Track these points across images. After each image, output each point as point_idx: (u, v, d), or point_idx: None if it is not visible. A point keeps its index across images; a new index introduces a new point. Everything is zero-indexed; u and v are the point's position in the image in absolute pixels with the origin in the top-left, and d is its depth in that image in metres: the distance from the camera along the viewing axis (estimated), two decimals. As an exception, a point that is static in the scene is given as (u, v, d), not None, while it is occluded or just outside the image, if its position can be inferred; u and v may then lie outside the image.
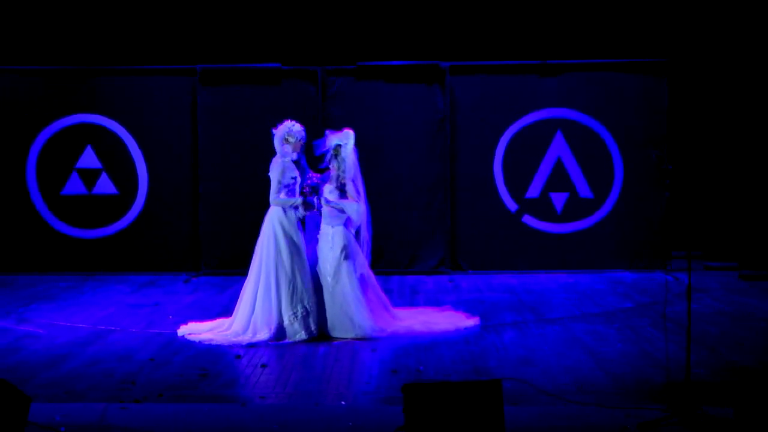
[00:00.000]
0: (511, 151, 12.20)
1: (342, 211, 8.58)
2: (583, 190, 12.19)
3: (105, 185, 12.26)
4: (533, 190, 12.22)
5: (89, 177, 12.28)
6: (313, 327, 8.43)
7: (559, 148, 12.18)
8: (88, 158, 12.26)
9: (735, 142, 12.34)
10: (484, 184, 12.22)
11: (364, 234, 8.83)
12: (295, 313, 8.38)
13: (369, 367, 7.51)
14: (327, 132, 8.80)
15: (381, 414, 6.22)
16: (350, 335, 8.40)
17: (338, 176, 8.59)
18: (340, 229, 8.58)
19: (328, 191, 8.61)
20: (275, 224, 8.48)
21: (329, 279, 8.51)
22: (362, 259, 8.73)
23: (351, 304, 8.45)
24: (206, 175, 12.12)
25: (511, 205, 12.23)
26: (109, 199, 12.27)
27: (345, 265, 8.51)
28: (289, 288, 8.39)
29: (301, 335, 8.36)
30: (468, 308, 9.80)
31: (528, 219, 12.23)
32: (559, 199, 12.20)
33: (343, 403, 6.56)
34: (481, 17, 12.54)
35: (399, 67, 12.17)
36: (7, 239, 12.28)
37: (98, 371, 7.41)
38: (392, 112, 12.16)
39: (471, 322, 9.00)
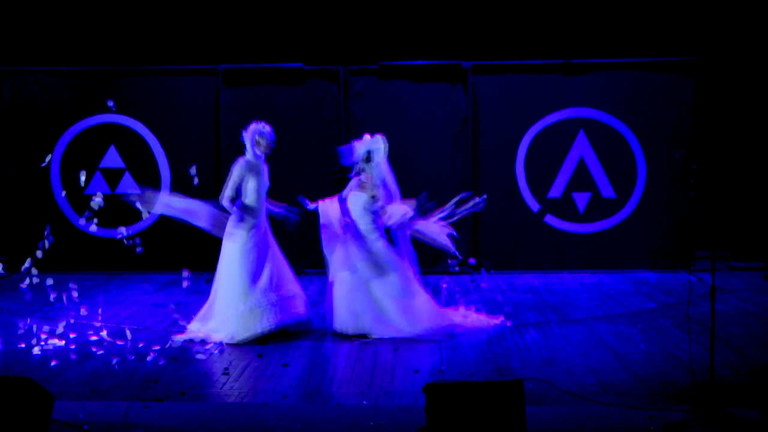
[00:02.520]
0: (533, 150, 12.16)
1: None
2: (606, 190, 12.13)
3: (128, 185, 12.33)
4: (556, 190, 12.17)
5: (113, 176, 12.35)
6: (260, 327, 8.37)
7: (581, 147, 12.12)
8: (112, 158, 12.34)
9: (762, 142, 12.24)
10: (506, 183, 12.19)
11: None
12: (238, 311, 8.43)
13: (391, 367, 7.50)
14: (353, 141, 8.72)
15: (403, 414, 6.21)
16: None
17: (373, 183, 8.56)
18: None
19: (363, 201, 8.57)
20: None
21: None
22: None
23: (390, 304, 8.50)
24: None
25: (534, 205, 12.19)
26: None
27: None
28: (233, 285, 8.46)
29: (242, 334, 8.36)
30: (490, 308, 9.78)
31: (550, 219, 12.18)
32: (581, 199, 12.15)
33: (365, 402, 6.56)
34: (504, 17, 12.51)
35: (421, 66, 12.15)
36: (32, 239, 12.35)
37: (121, 370, 7.45)
38: (415, 112, 12.15)
39: (496, 321, 9.00)
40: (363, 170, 8.62)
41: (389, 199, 8.65)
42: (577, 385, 6.87)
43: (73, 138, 12.33)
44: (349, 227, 8.56)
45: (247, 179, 8.58)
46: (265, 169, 8.75)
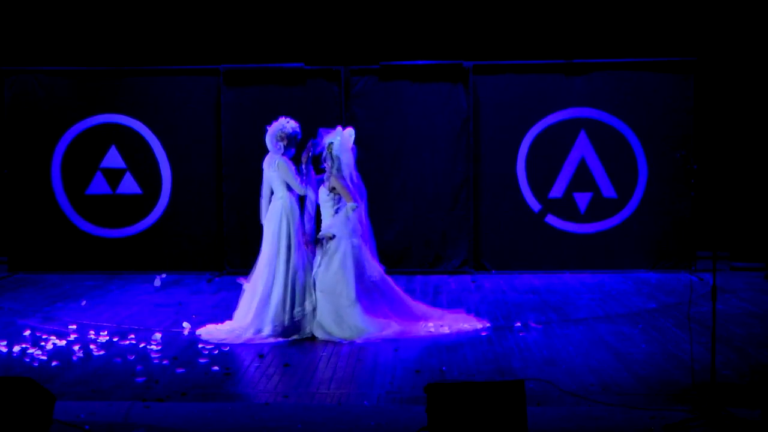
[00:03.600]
0: (534, 150, 12.16)
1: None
2: (607, 190, 12.12)
3: (129, 185, 12.33)
4: (557, 190, 12.17)
5: (113, 177, 12.35)
6: (308, 328, 8.51)
7: (582, 147, 12.12)
8: (113, 158, 12.34)
9: (762, 142, 12.23)
10: (507, 183, 12.19)
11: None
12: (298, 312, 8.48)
13: (392, 368, 7.50)
14: (320, 131, 8.66)
15: (404, 414, 6.21)
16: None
17: (330, 175, 8.51)
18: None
19: (324, 195, 8.56)
20: (285, 220, 8.54)
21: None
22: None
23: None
24: (230, 175, 12.16)
25: (535, 205, 12.19)
26: (133, 198, 12.35)
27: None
28: (293, 286, 8.48)
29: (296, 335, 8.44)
30: (491, 308, 9.78)
31: (551, 219, 12.18)
32: (582, 199, 12.14)
33: (366, 403, 6.56)
34: (505, 17, 12.51)
35: (422, 66, 12.15)
36: (33, 239, 12.39)
37: (122, 370, 7.45)
38: (416, 112, 12.15)
39: (480, 325, 8.87)
40: (326, 161, 8.60)
41: (351, 195, 8.50)
42: (578, 385, 6.87)
43: (74, 138, 12.33)
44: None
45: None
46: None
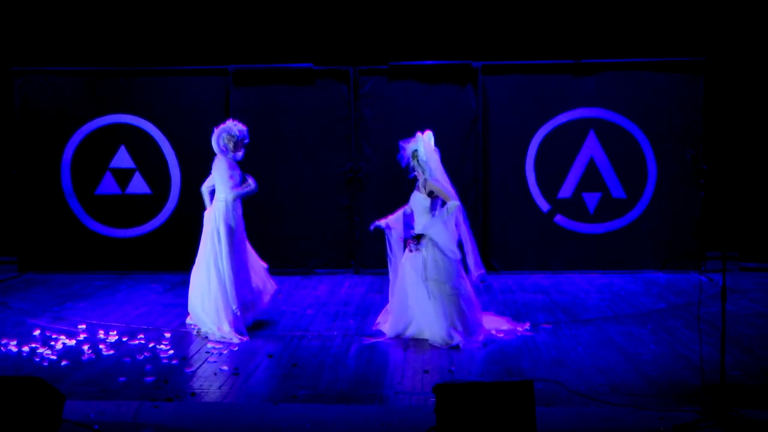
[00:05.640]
0: (543, 151, 12.14)
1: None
2: (616, 190, 12.10)
3: (138, 185, 12.36)
4: (566, 190, 12.15)
5: (123, 177, 12.38)
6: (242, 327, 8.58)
7: (591, 147, 12.10)
8: (122, 158, 12.37)
9: (771, 142, 12.20)
10: (516, 184, 12.17)
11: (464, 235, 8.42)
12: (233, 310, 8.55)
13: (401, 368, 7.50)
14: (400, 143, 8.51)
15: (413, 414, 6.21)
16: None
17: (425, 181, 8.34)
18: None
19: (420, 200, 8.35)
20: (222, 220, 8.69)
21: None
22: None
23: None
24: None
25: (544, 206, 12.17)
26: (142, 198, 12.37)
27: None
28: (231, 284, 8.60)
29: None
30: (500, 309, 9.77)
31: (560, 219, 12.17)
32: (591, 200, 12.12)
33: (375, 403, 6.56)
34: (514, 17, 12.49)
35: (431, 66, 12.15)
36: (42, 239, 12.42)
37: (131, 370, 7.46)
38: (424, 112, 12.14)
39: (521, 328, 8.77)
40: (415, 170, 8.44)
41: (449, 193, 8.33)
42: (587, 386, 6.85)
43: (83, 138, 12.36)
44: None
45: None
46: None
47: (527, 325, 8.83)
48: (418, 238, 8.27)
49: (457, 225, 8.33)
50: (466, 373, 7.28)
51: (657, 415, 6.12)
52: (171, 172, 12.35)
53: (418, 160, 8.39)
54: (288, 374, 7.35)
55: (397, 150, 8.65)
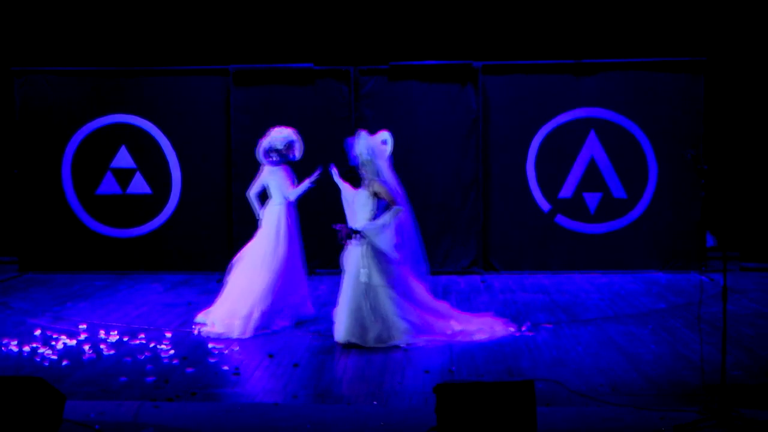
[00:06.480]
0: (544, 151, 12.14)
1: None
2: (617, 190, 12.10)
3: (139, 185, 12.36)
4: (566, 190, 12.15)
5: (124, 177, 12.38)
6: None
7: (592, 147, 12.10)
8: (123, 158, 12.37)
9: (772, 142, 12.20)
10: (517, 184, 12.17)
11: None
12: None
13: (401, 368, 7.49)
14: (348, 141, 8.46)
15: (413, 414, 6.21)
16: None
17: (371, 181, 8.27)
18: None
19: (363, 199, 8.29)
20: (283, 220, 8.95)
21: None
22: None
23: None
24: (239, 175, 12.17)
25: (544, 205, 12.17)
26: (143, 198, 12.37)
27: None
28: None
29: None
30: (501, 309, 9.77)
31: (561, 219, 12.17)
32: (592, 199, 12.12)
33: (375, 403, 6.56)
34: (514, 17, 12.50)
35: (432, 66, 12.15)
36: (43, 239, 12.42)
37: (132, 370, 7.46)
38: (425, 112, 12.15)
39: (511, 328, 8.71)
40: (361, 168, 8.36)
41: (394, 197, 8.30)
42: (587, 386, 6.85)
43: (84, 138, 12.37)
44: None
45: None
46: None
47: (515, 327, 8.74)
48: (356, 233, 8.23)
49: (400, 228, 8.27)
50: (466, 373, 7.28)
51: (657, 415, 6.11)
52: (172, 172, 12.36)
53: (362, 158, 8.33)
54: (288, 374, 7.35)
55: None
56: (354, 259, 8.23)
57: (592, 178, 12.11)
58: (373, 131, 12.07)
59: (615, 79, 12.09)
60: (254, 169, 12.19)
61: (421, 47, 12.43)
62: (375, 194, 8.24)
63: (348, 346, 8.12)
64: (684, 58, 12.04)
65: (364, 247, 8.19)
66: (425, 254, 8.62)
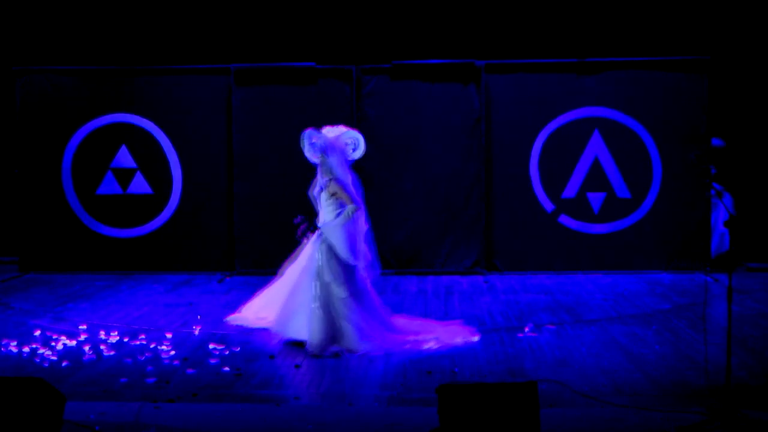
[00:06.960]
0: (547, 150, 12.10)
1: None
2: (621, 190, 12.06)
3: (140, 185, 12.33)
4: (570, 190, 12.11)
5: (124, 176, 12.35)
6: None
7: (596, 147, 12.06)
8: (123, 158, 12.34)
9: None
10: (520, 183, 12.13)
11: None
12: None
13: (403, 369, 7.46)
14: (305, 132, 8.34)
15: (415, 415, 6.18)
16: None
17: (329, 181, 8.11)
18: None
19: (324, 199, 8.15)
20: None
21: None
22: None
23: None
24: (241, 175, 12.14)
25: (548, 205, 12.13)
26: (143, 198, 12.34)
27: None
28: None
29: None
30: (503, 309, 9.74)
31: (564, 219, 12.12)
32: (596, 199, 12.08)
33: (376, 404, 6.53)
34: (517, 16, 12.47)
35: (434, 65, 12.11)
36: (43, 239, 12.40)
37: (133, 370, 7.43)
38: (427, 111, 12.11)
39: (474, 338, 8.39)
40: (321, 165, 8.22)
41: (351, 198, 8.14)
42: (590, 387, 6.82)
43: (84, 137, 12.34)
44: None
45: None
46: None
47: (479, 336, 8.44)
48: (315, 229, 8.15)
49: (358, 230, 8.17)
50: (468, 374, 7.24)
51: (661, 416, 6.08)
52: (172, 172, 12.32)
53: (319, 158, 8.19)
54: (290, 375, 7.32)
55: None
56: (311, 254, 8.16)
57: (595, 177, 12.07)
58: (375, 131, 12.10)
59: (618, 78, 12.04)
60: (255, 168, 12.23)
61: (423, 46, 12.40)
62: (333, 194, 8.12)
63: (295, 345, 8.03)
64: (688, 57, 11.99)
65: (323, 244, 8.09)
66: (376, 256, 8.44)
